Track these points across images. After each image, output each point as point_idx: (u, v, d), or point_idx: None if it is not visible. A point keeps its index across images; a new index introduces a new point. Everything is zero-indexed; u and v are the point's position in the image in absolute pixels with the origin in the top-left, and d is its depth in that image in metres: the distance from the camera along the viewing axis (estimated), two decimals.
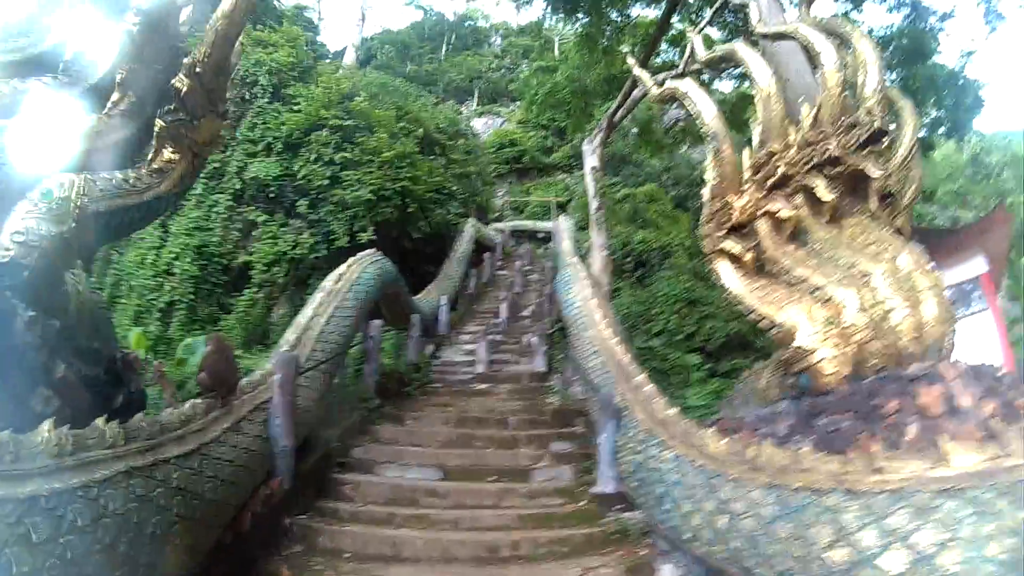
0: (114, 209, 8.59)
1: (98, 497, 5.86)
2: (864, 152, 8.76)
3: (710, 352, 27.15)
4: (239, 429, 9.96)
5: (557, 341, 24.22)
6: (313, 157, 29.09)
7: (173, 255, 28.62)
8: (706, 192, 10.10)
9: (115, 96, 9.24)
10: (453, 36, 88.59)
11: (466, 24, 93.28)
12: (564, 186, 57.20)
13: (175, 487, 7.38)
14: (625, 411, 12.38)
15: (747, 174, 9.53)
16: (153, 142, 9.60)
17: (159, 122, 9.48)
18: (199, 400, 9.21)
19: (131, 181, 9.03)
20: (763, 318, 8.97)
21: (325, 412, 14.79)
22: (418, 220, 30.07)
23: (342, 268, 18.32)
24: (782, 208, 9.05)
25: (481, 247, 39.77)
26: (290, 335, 14.08)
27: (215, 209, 29.35)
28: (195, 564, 8.00)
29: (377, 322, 19.15)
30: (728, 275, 9.55)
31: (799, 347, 8.35)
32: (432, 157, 34.14)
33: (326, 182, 28.50)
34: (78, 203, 7.83)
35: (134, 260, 29.81)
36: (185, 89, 9.23)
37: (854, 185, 9.00)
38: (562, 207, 51.45)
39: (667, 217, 44.42)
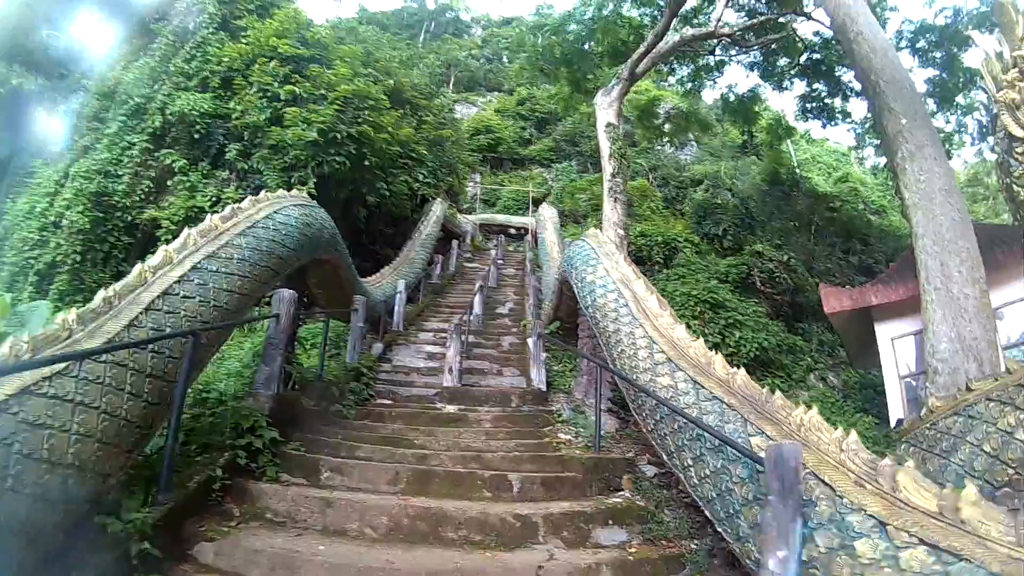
0: None
1: None
2: None
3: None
4: None
5: (552, 349, 17.89)
6: (254, 90, 23.81)
7: (66, 204, 23.29)
8: None
9: None
10: (433, 24, 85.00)
11: (447, 14, 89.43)
12: (542, 179, 52.77)
13: None
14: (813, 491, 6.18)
15: None
16: None
17: None
18: None
19: None
20: None
21: (136, 460, 7.51)
22: (376, 181, 24.16)
23: (244, 203, 11.18)
24: None
25: (449, 233, 35.39)
26: (99, 299, 7.45)
27: (129, 152, 24.20)
28: None
29: (287, 292, 11.48)
30: None
31: None
32: (401, 112, 28.09)
33: (264, 119, 23.09)
34: None
35: (23, 209, 25.08)
36: None
37: None
38: (537, 203, 46.92)
39: (659, 214, 39.89)
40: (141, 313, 7.41)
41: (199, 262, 8.82)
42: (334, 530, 8.16)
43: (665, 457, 8.97)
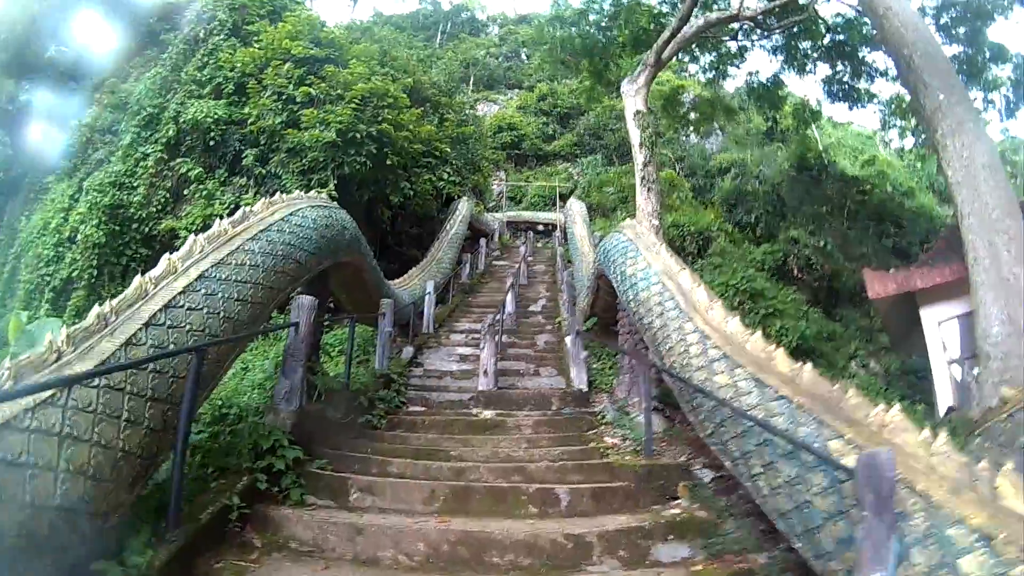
0: None
1: None
2: None
3: None
4: None
5: (590, 347, 16.97)
6: (268, 93, 23.27)
7: (80, 219, 22.75)
8: None
9: None
10: (449, 25, 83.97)
11: (463, 15, 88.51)
12: (567, 175, 51.83)
13: None
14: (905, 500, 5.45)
15: None
16: None
17: None
18: None
19: None
20: None
21: (141, 492, 6.67)
22: (399, 181, 23.51)
23: (257, 205, 10.29)
24: None
25: (476, 232, 34.96)
26: (93, 315, 6.56)
27: (143, 163, 23.75)
28: None
29: (307, 299, 10.65)
30: None
31: None
32: (422, 110, 27.37)
33: (280, 122, 22.52)
34: None
35: (37, 225, 24.67)
36: None
37: None
38: (564, 198, 46.19)
39: (689, 204, 38.75)
40: (140, 329, 6.54)
41: (206, 270, 7.95)
42: (366, 559, 7.35)
43: (728, 464, 8.15)
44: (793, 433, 6.68)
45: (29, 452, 4.93)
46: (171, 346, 6.79)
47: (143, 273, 8.37)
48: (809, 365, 7.43)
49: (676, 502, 9.09)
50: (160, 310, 7.00)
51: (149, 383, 6.33)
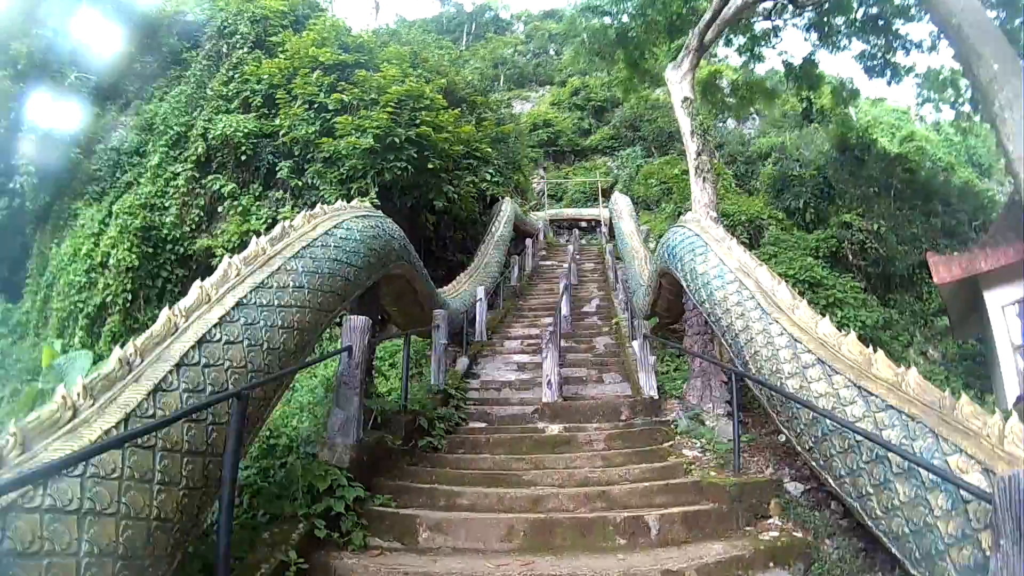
0: None
1: None
2: None
3: None
4: None
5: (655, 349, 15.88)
6: (299, 103, 22.69)
7: (112, 243, 22.04)
8: None
9: None
10: (473, 25, 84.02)
11: (486, 14, 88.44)
12: (606, 169, 51.28)
13: None
14: None
15: None
16: None
17: None
18: None
19: None
20: None
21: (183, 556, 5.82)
22: (442, 184, 22.68)
23: (296, 219, 9.42)
24: None
25: (521, 232, 34.30)
26: (114, 360, 5.60)
27: (174, 182, 23.27)
28: None
29: (359, 320, 9.69)
30: None
31: None
32: (459, 111, 26.41)
33: (314, 132, 21.87)
34: None
35: (67, 253, 23.87)
36: None
37: None
38: (606, 193, 45.66)
39: (733, 192, 38.81)
40: (170, 372, 5.62)
41: (245, 296, 7.10)
42: None
43: (832, 482, 7.44)
44: (908, 448, 6.24)
45: (43, 537, 4.06)
46: (208, 389, 5.94)
47: (182, 294, 7.65)
48: (914, 370, 6.96)
49: (769, 522, 8.59)
50: (193, 347, 6.14)
51: (184, 435, 5.46)
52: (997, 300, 18.04)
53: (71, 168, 26.15)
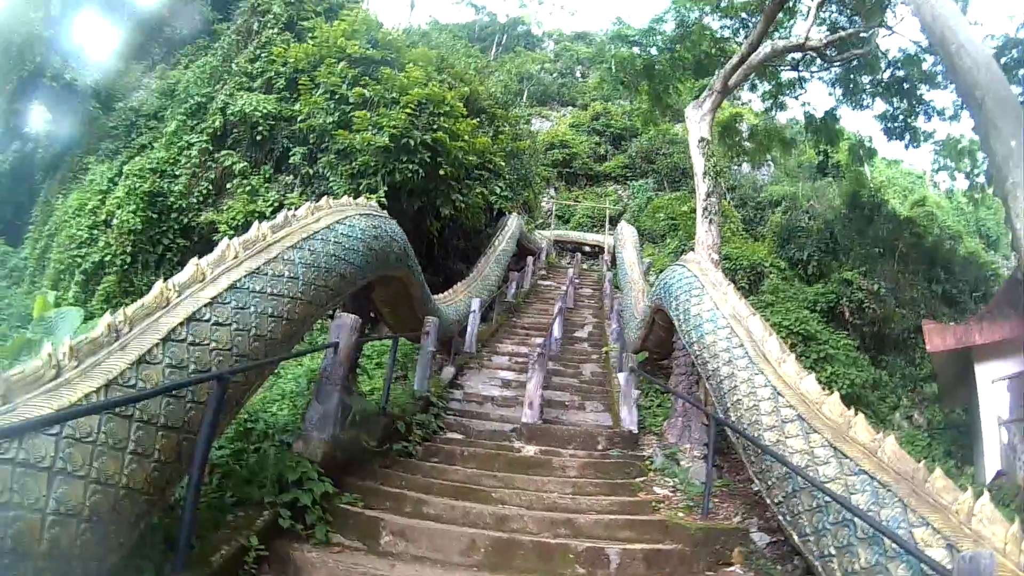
0: None
1: None
2: None
3: None
4: None
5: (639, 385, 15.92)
6: (320, 91, 22.59)
7: (118, 203, 22.32)
8: None
9: None
10: (504, 37, 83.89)
11: (518, 28, 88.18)
12: (616, 197, 51.29)
13: None
14: None
15: None
16: None
17: None
18: None
19: None
20: None
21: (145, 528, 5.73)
22: (451, 192, 22.62)
23: (300, 210, 9.43)
24: None
25: (524, 250, 34.25)
26: (103, 326, 5.66)
27: (187, 152, 23.42)
28: None
29: (348, 318, 9.88)
30: None
31: None
32: (477, 121, 26.42)
33: (331, 123, 21.79)
34: None
35: (73, 206, 24.24)
36: None
37: None
38: (613, 220, 45.60)
39: (739, 236, 38.61)
40: (156, 345, 5.73)
41: (239, 280, 7.18)
42: None
43: (797, 538, 7.45)
44: (876, 515, 6.26)
45: (12, 490, 4.16)
46: (191, 367, 5.99)
47: (180, 264, 7.72)
48: (891, 437, 7.05)
49: (731, 569, 8.52)
50: (182, 323, 6.22)
51: (162, 409, 5.53)
52: (987, 374, 18.13)
53: (88, 122, 26.30)
